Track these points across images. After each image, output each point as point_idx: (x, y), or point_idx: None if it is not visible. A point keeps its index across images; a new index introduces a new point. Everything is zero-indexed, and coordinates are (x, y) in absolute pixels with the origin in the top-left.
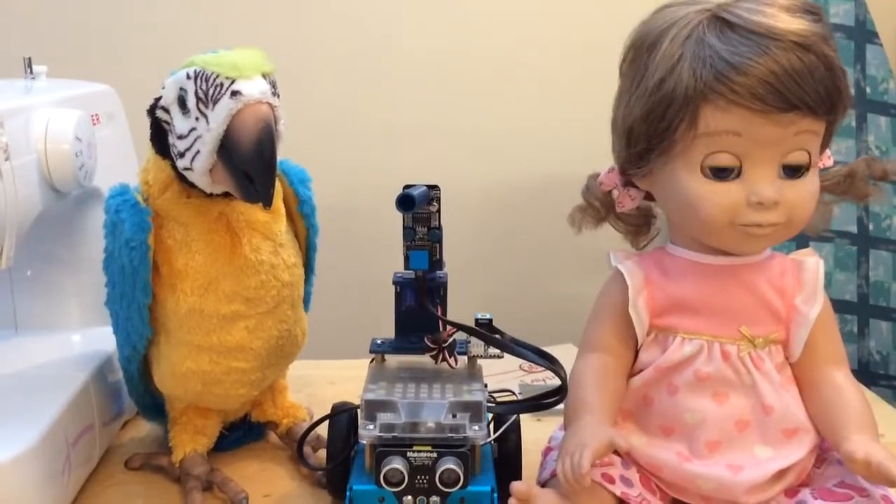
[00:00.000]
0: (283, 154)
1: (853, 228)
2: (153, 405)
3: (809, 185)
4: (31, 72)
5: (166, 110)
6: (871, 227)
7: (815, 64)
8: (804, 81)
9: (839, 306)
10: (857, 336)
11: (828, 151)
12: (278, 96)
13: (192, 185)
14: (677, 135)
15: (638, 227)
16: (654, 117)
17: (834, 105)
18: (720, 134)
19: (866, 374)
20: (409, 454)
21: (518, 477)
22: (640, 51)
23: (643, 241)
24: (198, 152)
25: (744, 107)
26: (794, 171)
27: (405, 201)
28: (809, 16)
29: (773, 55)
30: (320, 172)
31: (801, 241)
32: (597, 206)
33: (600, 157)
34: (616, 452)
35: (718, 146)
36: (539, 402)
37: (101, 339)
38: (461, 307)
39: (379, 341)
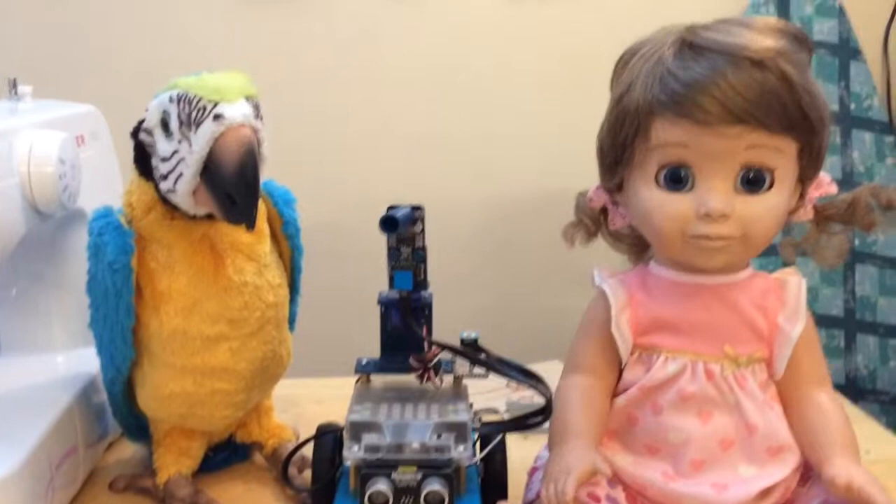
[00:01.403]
0: (267, 173)
1: None
2: (137, 426)
3: (770, 201)
4: (17, 92)
5: (149, 133)
6: (857, 242)
7: (768, 79)
8: (751, 95)
9: (826, 321)
10: (844, 351)
11: (828, 178)
12: (261, 119)
13: (175, 208)
14: (633, 147)
15: (635, 246)
16: (615, 131)
17: (793, 122)
18: (668, 146)
19: (853, 388)
20: (393, 475)
21: (504, 497)
22: (616, 71)
23: (646, 259)
24: (181, 175)
25: (689, 118)
26: (752, 186)
27: (389, 223)
28: (779, 34)
29: (721, 69)
30: (305, 192)
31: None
32: (587, 224)
33: (586, 173)
34: None
35: (669, 157)
36: (524, 423)
37: (85, 361)
38: (447, 325)
39: (364, 361)
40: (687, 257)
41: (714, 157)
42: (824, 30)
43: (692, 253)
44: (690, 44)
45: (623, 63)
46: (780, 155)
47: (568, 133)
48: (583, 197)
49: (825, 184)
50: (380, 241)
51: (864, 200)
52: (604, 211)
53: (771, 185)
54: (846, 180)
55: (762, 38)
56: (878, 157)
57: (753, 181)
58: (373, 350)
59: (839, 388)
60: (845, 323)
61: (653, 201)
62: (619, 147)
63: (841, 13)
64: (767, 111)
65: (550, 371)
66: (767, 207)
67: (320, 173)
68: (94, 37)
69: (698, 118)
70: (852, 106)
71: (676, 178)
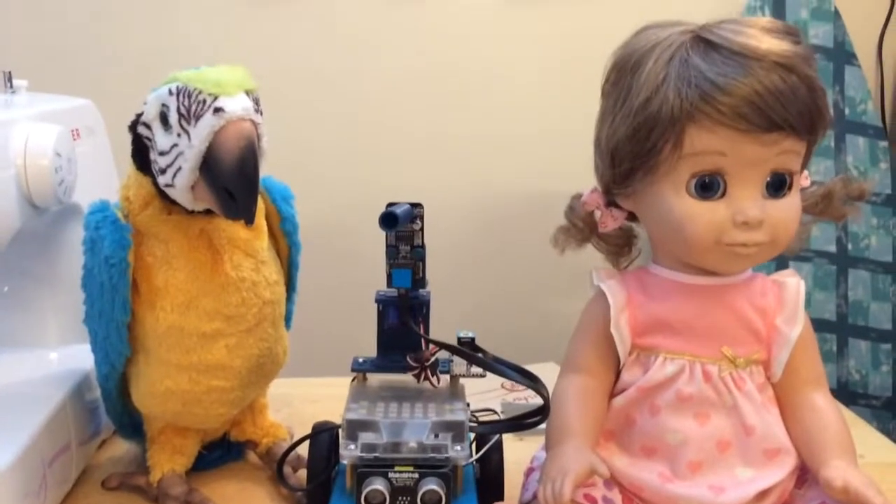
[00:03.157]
0: (266, 170)
1: (832, 248)
2: (131, 424)
3: (793, 204)
4: (12, 86)
5: (148, 126)
6: (849, 246)
7: (798, 84)
8: (787, 101)
9: (818, 325)
10: (837, 355)
11: (805, 172)
12: (261, 113)
13: (173, 202)
14: (662, 155)
15: (619, 247)
16: (639, 138)
17: (815, 125)
18: (705, 154)
19: (845, 393)
20: (390, 475)
21: (500, 497)
22: (624, 71)
23: (624, 261)
24: (179, 169)
25: (729, 127)
26: (777, 190)
27: (388, 220)
28: (790, 37)
29: (757, 75)
30: (303, 189)
31: (780, 261)
32: (580, 227)
33: (584, 174)
34: None
35: (703, 166)
36: (521, 422)
37: (79, 358)
38: (444, 325)
39: (361, 360)
40: (714, 263)
41: (749, 165)
42: (819, 34)
43: (723, 260)
44: (713, 44)
45: (630, 67)
46: (799, 157)
47: (566, 135)
48: (577, 200)
49: (802, 177)
50: (377, 240)
51: (837, 192)
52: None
53: (790, 187)
54: None
55: (782, 41)
56: (872, 162)
57: (778, 185)
58: (369, 349)
59: (831, 392)
60: (838, 327)
61: (686, 211)
62: (642, 155)
63: (836, 17)
64: (800, 117)
65: (546, 373)
66: (791, 209)
67: (318, 173)
68: (90, 31)
69: (739, 126)
70: (846, 110)
71: (707, 186)
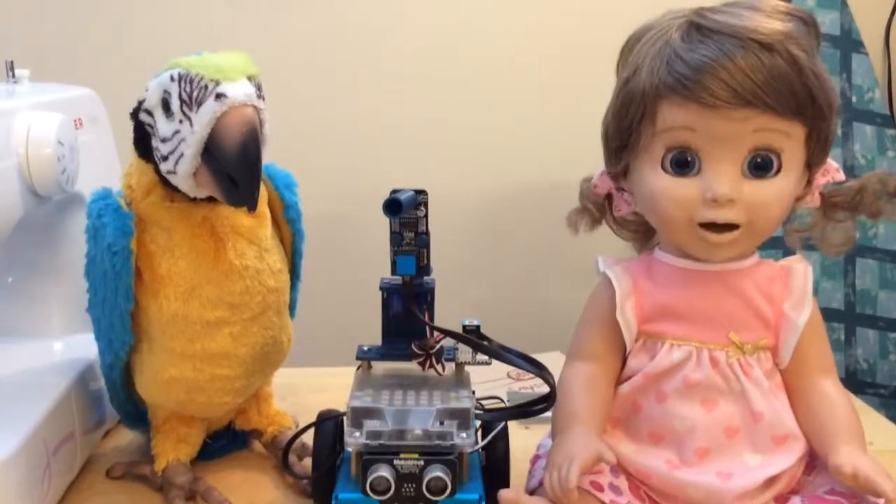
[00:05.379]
0: (269, 158)
1: None
2: (135, 413)
3: (777, 186)
4: (14, 76)
5: (150, 113)
6: (857, 235)
7: (777, 62)
8: (759, 78)
9: (826, 314)
10: (844, 344)
11: (835, 164)
12: (264, 99)
13: (175, 189)
14: (640, 131)
15: (641, 233)
16: (621, 115)
17: (801, 106)
18: (676, 129)
19: (854, 382)
20: (395, 462)
21: (506, 485)
22: (624, 52)
23: (650, 247)
24: (181, 155)
25: (696, 101)
26: (760, 171)
27: (392, 206)
28: (787, 18)
29: (728, 52)
30: (307, 176)
31: (787, 248)
32: (591, 210)
33: (590, 161)
34: None
35: (676, 141)
36: (527, 410)
37: (83, 347)
38: (449, 313)
39: (365, 348)
40: (691, 246)
41: (721, 141)
42: (826, 22)
43: (697, 243)
44: (698, 26)
45: (629, 47)
46: (788, 139)
47: (570, 123)
48: (587, 183)
49: (832, 170)
50: (381, 229)
51: (872, 188)
52: (608, 197)
53: (778, 170)
54: (847, 173)
55: (771, 21)
56: (880, 150)
57: (761, 166)
58: (374, 339)
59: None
60: (845, 316)
61: (659, 186)
62: (624, 131)
63: (843, 5)
64: (775, 94)
65: (551, 362)
66: (775, 192)
67: (322, 160)
68: (92, 20)
69: (705, 101)
70: (854, 99)
71: (683, 163)
